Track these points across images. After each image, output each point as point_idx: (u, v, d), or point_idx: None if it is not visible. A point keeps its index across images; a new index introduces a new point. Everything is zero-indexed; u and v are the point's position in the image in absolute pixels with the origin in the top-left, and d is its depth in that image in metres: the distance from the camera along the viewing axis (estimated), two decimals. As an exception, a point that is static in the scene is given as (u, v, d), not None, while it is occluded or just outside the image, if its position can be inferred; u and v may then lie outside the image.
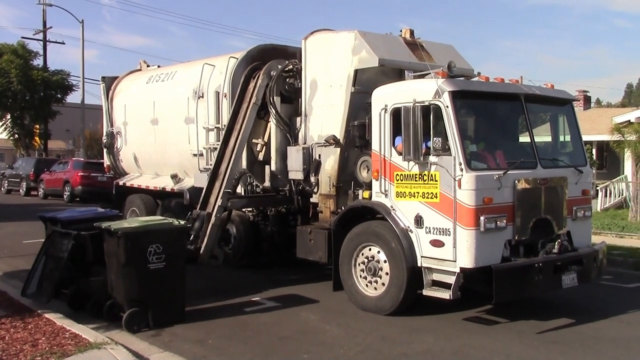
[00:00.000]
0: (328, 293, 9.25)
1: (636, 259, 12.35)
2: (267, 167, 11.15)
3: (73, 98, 42.02)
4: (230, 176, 10.40)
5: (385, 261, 8.33)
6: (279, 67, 10.76)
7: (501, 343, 7.28)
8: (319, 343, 7.29)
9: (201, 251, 9.99)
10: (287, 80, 10.77)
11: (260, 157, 11.27)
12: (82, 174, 26.42)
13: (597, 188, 21.98)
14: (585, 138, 9.79)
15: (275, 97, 10.68)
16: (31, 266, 8.98)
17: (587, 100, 37.91)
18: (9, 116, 39.36)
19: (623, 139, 21.57)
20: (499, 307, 8.42)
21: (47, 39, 40.54)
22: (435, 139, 7.64)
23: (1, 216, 20.89)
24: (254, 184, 11.48)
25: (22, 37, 40.09)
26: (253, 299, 9.31)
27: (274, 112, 10.73)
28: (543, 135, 9.29)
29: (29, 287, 8.74)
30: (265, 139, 11.19)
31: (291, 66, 10.74)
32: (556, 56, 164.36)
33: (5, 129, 40.03)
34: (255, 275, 10.97)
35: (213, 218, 10.14)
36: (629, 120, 24.37)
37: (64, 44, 54.88)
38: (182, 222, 8.31)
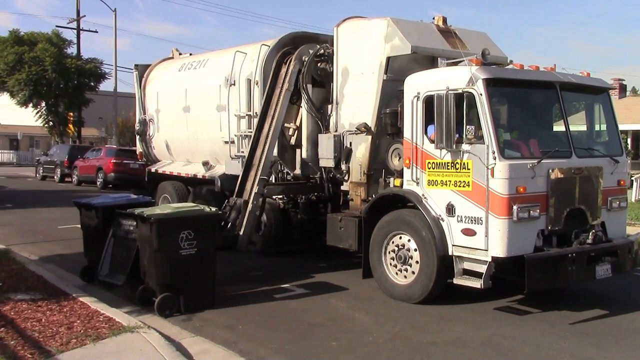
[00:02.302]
0: (357, 281, 9.27)
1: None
2: (297, 154, 11.16)
3: (106, 86, 42.67)
4: (266, 163, 10.48)
5: (415, 249, 8.30)
6: (311, 52, 10.74)
7: (532, 333, 7.22)
8: (348, 330, 7.31)
9: (239, 238, 10.12)
10: (319, 64, 10.74)
11: (292, 141, 11.28)
12: (114, 161, 26.75)
13: (632, 178, 21.57)
14: (620, 127, 9.61)
15: (307, 84, 10.68)
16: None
17: (622, 88, 37.27)
18: (43, 104, 40.08)
19: (659, 128, 21.14)
20: (530, 297, 8.34)
21: (81, 28, 41.12)
22: (468, 127, 7.57)
23: (36, 202, 21.32)
24: (285, 171, 11.52)
25: (57, 26, 41.10)
26: (283, 286, 9.36)
27: (306, 98, 10.72)
28: (578, 124, 9.14)
29: (102, 269, 8.73)
30: (297, 123, 11.19)
31: (322, 50, 10.71)
32: (592, 43, 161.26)
33: (40, 116, 40.77)
34: (285, 263, 11.03)
35: (250, 205, 10.22)
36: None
37: (97, 32, 56.04)
38: (214, 209, 8.37)
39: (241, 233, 10.13)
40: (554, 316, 7.90)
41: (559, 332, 7.29)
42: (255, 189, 10.29)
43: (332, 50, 10.34)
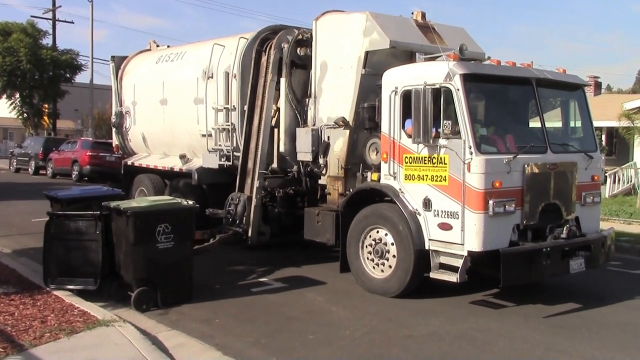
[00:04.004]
0: (335, 275, 9.28)
1: (644, 246, 12.31)
2: (275, 148, 11.11)
3: (82, 78, 42.17)
4: (262, 156, 10.65)
5: (392, 244, 8.34)
6: (289, 37, 10.72)
7: (507, 326, 7.30)
8: (325, 324, 7.33)
9: (249, 232, 10.46)
10: (299, 50, 10.69)
11: (273, 122, 11.19)
12: (90, 153, 26.52)
13: (606, 174, 21.87)
14: (595, 124, 9.73)
15: (288, 71, 10.61)
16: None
17: (597, 86, 37.70)
18: (18, 95, 39.48)
19: (633, 125, 21.47)
20: (505, 290, 8.42)
21: (57, 18, 40.63)
22: (445, 122, 7.61)
23: (10, 195, 21.03)
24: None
25: (32, 16, 40.05)
26: (260, 280, 9.36)
27: (285, 89, 10.61)
28: (554, 120, 9.23)
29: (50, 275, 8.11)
30: (277, 104, 11.11)
31: (301, 36, 10.68)
32: (571, 41, 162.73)
33: (15, 108, 40.16)
34: (262, 256, 10.99)
35: (254, 200, 10.54)
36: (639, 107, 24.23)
37: (73, 23, 55.44)
38: (191, 202, 8.32)
39: (250, 228, 10.49)
40: (529, 310, 7.99)
41: (534, 325, 7.38)
42: (256, 184, 10.57)
43: (311, 35, 10.33)
